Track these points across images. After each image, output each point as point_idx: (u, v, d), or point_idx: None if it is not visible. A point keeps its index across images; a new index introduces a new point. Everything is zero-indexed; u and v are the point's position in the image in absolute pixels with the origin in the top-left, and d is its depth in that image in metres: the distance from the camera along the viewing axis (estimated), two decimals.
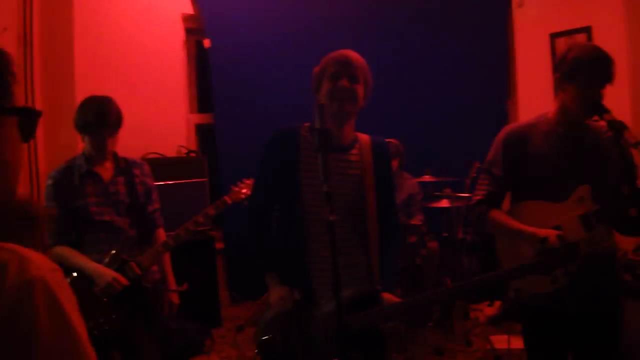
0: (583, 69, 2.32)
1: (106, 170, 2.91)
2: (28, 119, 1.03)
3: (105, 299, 2.75)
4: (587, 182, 2.36)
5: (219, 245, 5.46)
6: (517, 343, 4.22)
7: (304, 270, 2.24)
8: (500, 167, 2.51)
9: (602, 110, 2.31)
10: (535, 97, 5.35)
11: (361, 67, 2.23)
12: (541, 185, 2.46)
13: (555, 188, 2.41)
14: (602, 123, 2.34)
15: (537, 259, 2.12)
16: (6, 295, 0.84)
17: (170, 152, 5.15)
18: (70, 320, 0.88)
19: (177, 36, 5.53)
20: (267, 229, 2.34)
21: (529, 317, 2.56)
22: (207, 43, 5.49)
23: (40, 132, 4.49)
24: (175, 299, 3.13)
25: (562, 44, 5.15)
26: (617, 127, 2.26)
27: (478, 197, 2.57)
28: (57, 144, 4.51)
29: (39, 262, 0.89)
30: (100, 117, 2.76)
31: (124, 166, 2.96)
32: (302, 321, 2.20)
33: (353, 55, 2.24)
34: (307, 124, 2.33)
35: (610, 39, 4.52)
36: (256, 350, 2.32)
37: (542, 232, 2.31)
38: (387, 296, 2.22)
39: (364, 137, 2.36)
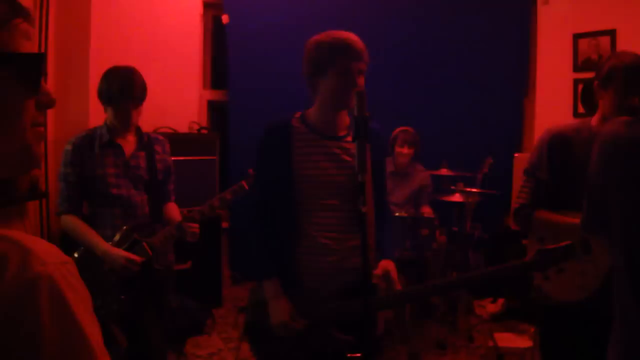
0: (618, 76, 2.28)
1: (128, 144, 2.84)
2: (27, 66, 0.87)
3: (114, 279, 2.70)
4: None
5: (225, 224, 5.43)
6: (520, 342, 4.24)
7: (294, 255, 2.20)
8: (545, 171, 2.46)
9: None
10: (553, 96, 5.32)
11: (367, 59, 2.17)
12: (577, 194, 2.40)
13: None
14: None
15: (534, 257, 2.07)
16: (5, 296, 0.72)
17: (182, 128, 5.09)
18: (79, 324, 0.77)
19: (194, 10, 5.45)
20: (272, 230, 2.25)
21: (551, 316, 2.52)
22: (225, 19, 5.41)
23: None
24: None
25: (585, 45, 5.09)
26: None
27: (522, 201, 2.53)
28: (67, 113, 4.45)
29: (45, 255, 0.77)
30: (125, 88, 2.68)
31: (147, 141, 2.89)
32: (292, 303, 2.18)
33: (362, 46, 2.15)
34: (298, 114, 2.29)
35: (635, 43, 4.45)
36: (243, 332, 2.31)
37: None
38: (386, 263, 2.16)
39: None
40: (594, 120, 2.44)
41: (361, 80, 2.15)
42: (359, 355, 1.87)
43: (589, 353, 2.41)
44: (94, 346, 0.79)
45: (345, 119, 2.28)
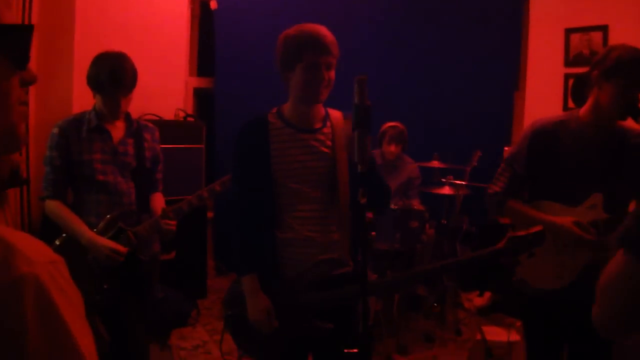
0: (625, 70, 2.26)
1: (117, 130, 2.75)
2: (15, 39, 0.80)
3: (97, 268, 2.62)
4: (603, 189, 2.36)
5: (210, 214, 5.35)
6: (508, 335, 4.22)
7: (276, 248, 2.21)
8: (522, 165, 2.50)
9: (638, 112, 2.25)
10: (543, 90, 5.31)
11: (336, 52, 2.15)
12: (560, 186, 2.46)
13: (572, 191, 2.41)
14: (634, 126, 2.29)
15: (506, 244, 2.10)
16: None
17: (167, 115, 4.98)
18: (68, 330, 0.71)
19: None
20: (253, 225, 2.24)
21: (531, 305, 2.58)
22: (213, 5, 5.31)
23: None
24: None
25: (576, 40, 5.06)
26: None
27: (496, 189, 2.58)
28: (50, 97, 4.34)
29: (32, 254, 0.70)
30: (115, 76, 2.57)
31: (136, 128, 2.80)
32: (272, 295, 2.19)
33: (330, 39, 2.12)
34: (274, 110, 2.29)
35: (626, 39, 4.41)
36: (224, 325, 2.37)
37: (559, 220, 2.36)
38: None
39: (336, 113, 2.32)
40: (583, 111, 2.43)
41: (331, 74, 2.15)
42: (355, 350, 1.84)
43: (568, 341, 2.50)
44: (83, 353, 0.72)
45: (320, 110, 2.28)
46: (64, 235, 2.65)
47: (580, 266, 2.36)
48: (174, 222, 2.73)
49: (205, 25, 5.73)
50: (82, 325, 0.75)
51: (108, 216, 2.67)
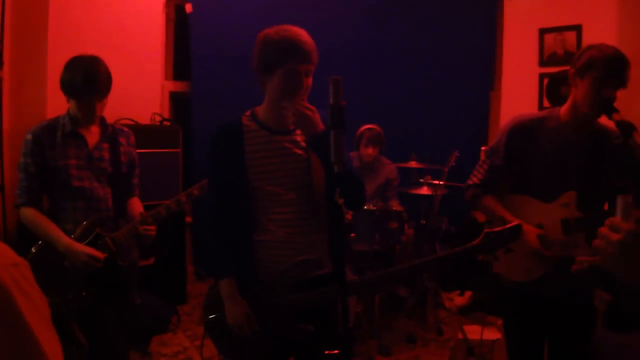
0: (596, 65, 2.28)
1: (92, 135, 2.71)
2: None
3: (75, 275, 2.57)
4: (578, 187, 2.38)
5: (188, 219, 5.31)
6: (489, 334, 4.25)
7: (253, 250, 2.18)
8: (500, 157, 2.54)
9: (611, 110, 2.27)
10: (518, 90, 5.36)
11: (316, 60, 2.12)
12: (535, 182, 2.49)
13: (546, 188, 2.44)
14: (614, 126, 2.31)
15: (482, 240, 2.09)
16: None
17: (143, 119, 4.93)
18: (32, 334, 0.70)
19: None
20: (229, 228, 2.22)
21: (507, 300, 2.60)
22: (188, 8, 5.29)
23: (6, 89, 4.25)
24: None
25: (550, 40, 5.12)
26: (626, 128, 2.23)
27: (474, 181, 2.63)
28: (24, 103, 4.27)
29: None
30: (89, 81, 2.53)
31: (111, 133, 2.76)
32: (250, 299, 2.18)
33: (311, 47, 2.09)
34: (248, 112, 2.26)
35: (600, 39, 4.47)
36: (204, 330, 2.33)
37: (525, 227, 2.34)
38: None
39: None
40: (563, 109, 2.46)
41: (309, 81, 2.12)
42: (336, 352, 1.84)
43: (540, 334, 2.52)
44: (47, 355, 0.71)
45: None
46: (40, 242, 2.61)
47: (552, 260, 2.38)
48: (153, 227, 2.69)
49: (180, 28, 5.69)
50: (46, 328, 0.73)
51: (85, 222, 2.63)
